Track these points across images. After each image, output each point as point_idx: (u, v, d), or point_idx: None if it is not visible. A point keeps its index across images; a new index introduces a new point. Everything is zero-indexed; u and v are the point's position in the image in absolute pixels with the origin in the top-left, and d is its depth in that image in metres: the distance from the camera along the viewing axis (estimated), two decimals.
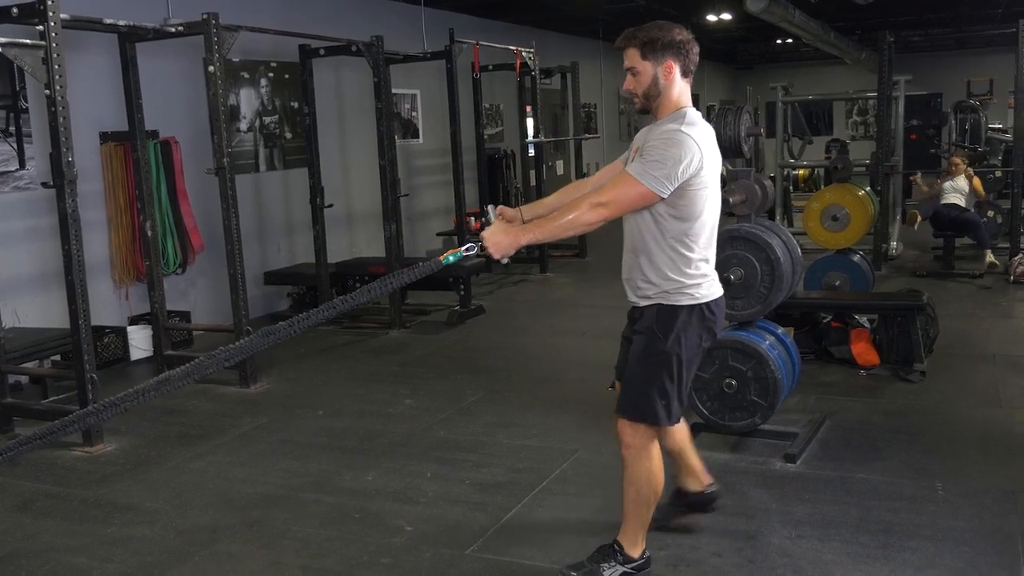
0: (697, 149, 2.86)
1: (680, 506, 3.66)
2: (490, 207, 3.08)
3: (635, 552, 3.20)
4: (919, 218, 9.65)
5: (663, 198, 2.88)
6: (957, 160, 9.44)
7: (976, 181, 9.35)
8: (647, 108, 3.03)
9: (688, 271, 3.00)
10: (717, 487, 3.70)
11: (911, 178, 9.72)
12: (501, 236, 2.86)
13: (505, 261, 2.94)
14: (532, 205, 3.29)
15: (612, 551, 3.21)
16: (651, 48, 2.95)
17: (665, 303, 3.02)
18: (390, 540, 3.68)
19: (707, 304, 3.05)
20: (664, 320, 3.02)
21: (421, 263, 2.96)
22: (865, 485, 3.99)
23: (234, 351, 3.08)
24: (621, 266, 3.19)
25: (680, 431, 3.49)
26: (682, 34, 2.97)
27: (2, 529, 3.95)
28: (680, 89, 2.99)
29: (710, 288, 3.06)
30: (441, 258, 2.91)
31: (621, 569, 3.19)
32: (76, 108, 4.96)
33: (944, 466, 4.21)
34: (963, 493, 3.90)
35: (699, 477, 3.64)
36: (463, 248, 2.93)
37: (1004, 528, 3.56)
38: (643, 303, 3.08)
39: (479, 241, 2.89)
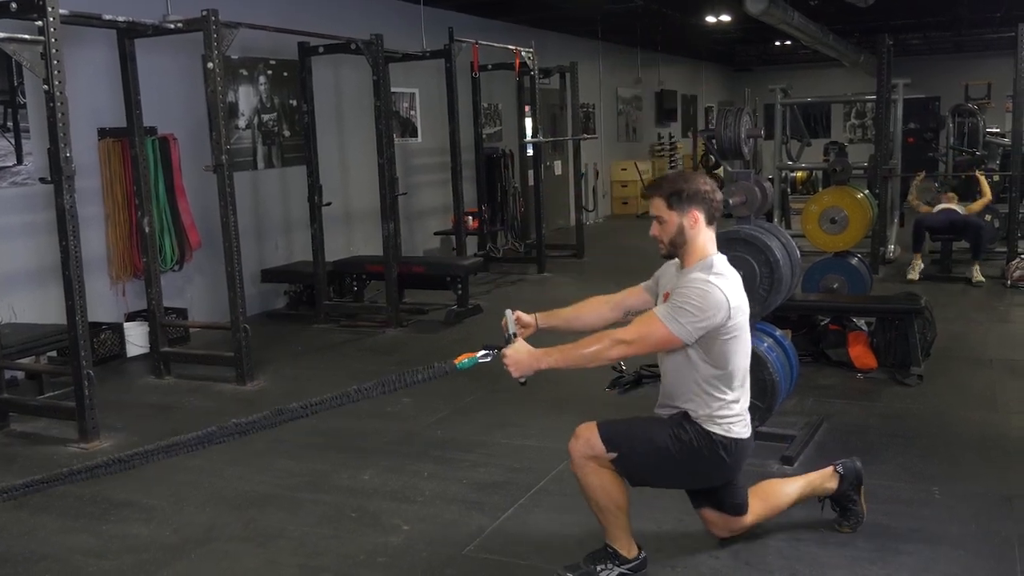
0: (725, 301, 2.98)
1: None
2: (508, 312, 3.18)
3: (629, 553, 3.20)
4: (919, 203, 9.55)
5: (687, 344, 2.99)
6: (951, 195, 9.41)
7: (983, 180, 9.33)
8: (673, 255, 3.15)
9: (721, 413, 3.11)
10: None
11: (915, 178, 9.69)
12: (524, 356, 2.99)
13: (522, 380, 3.03)
14: (548, 315, 3.38)
15: (606, 553, 3.21)
16: (677, 199, 3.07)
17: (698, 423, 3.12)
18: (387, 539, 3.67)
19: (733, 440, 3.12)
20: (694, 426, 3.11)
21: (436, 365, 3.05)
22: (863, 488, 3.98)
23: (247, 425, 3.11)
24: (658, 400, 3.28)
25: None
26: (707, 184, 3.10)
27: None
28: (706, 237, 3.11)
29: (741, 429, 3.16)
30: (456, 361, 3.01)
31: (617, 570, 3.19)
32: (74, 104, 4.95)
33: (941, 470, 4.21)
34: (960, 497, 3.90)
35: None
36: (479, 355, 3.02)
37: (1000, 532, 3.57)
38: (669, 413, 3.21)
39: (499, 354, 3.00)
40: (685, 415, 3.15)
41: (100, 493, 4.25)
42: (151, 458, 3.07)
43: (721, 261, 3.10)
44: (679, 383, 3.13)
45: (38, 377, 5.81)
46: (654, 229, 3.14)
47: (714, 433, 3.11)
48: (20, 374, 6.09)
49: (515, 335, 3.09)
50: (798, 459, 4.32)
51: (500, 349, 3.02)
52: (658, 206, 3.10)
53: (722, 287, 2.99)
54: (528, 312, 3.31)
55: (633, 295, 3.37)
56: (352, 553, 3.57)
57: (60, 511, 4.08)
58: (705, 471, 3.19)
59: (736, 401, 3.13)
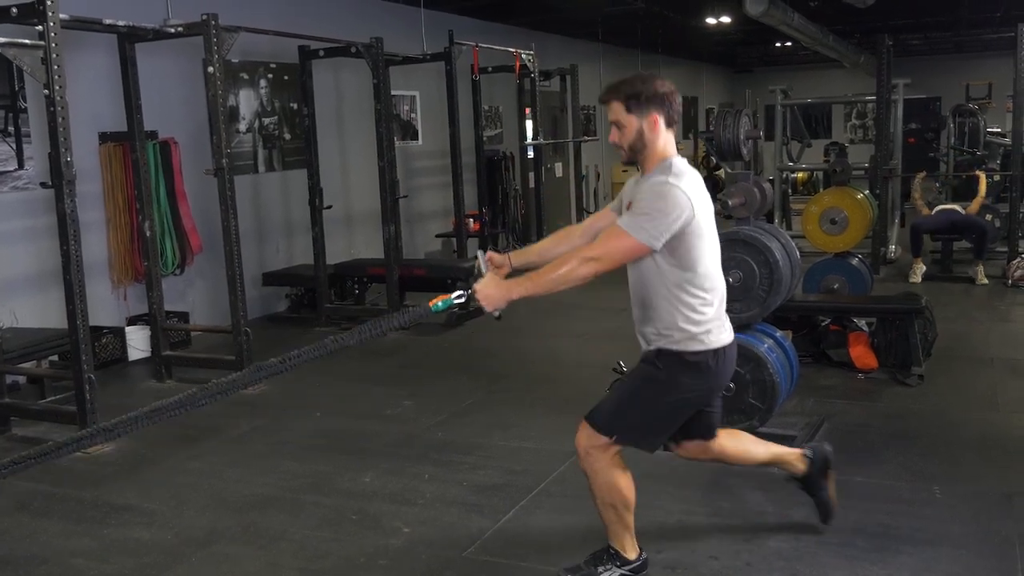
0: (687, 199, 2.88)
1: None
2: (479, 253, 3.16)
3: (630, 554, 3.20)
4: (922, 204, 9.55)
5: (655, 250, 2.90)
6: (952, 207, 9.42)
7: (982, 180, 9.32)
8: (633, 160, 3.04)
9: (695, 318, 2.99)
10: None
11: (916, 177, 9.68)
12: (493, 289, 2.91)
13: (497, 314, 2.97)
14: (521, 252, 3.32)
15: (608, 555, 3.21)
16: (635, 101, 2.96)
17: (674, 348, 3.02)
18: (387, 542, 3.68)
19: (716, 350, 3.04)
20: (668, 359, 3.03)
21: (411, 308, 3.04)
22: (863, 488, 3.99)
23: (228, 384, 3.08)
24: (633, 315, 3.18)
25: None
26: (665, 86, 2.99)
27: (0, 529, 3.95)
28: (665, 140, 3.00)
29: (720, 334, 3.05)
30: (431, 303, 2.96)
31: (619, 571, 3.19)
32: (75, 108, 4.96)
33: (942, 469, 4.21)
34: (960, 496, 3.90)
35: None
36: (453, 296, 2.97)
37: (1001, 532, 3.56)
38: (654, 346, 3.09)
39: (471, 291, 2.93)
40: (657, 352, 3.05)
41: (101, 497, 4.26)
42: (136, 425, 3.04)
43: (680, 162, 2.98)
44: (650, 296, 3.02)
45: (39, 381, 5.81)
46: (613, 136, 3.03)
47: (690, 352, 3.00)
48: (22, 378, 6.09)
49: (484, 271, 3.04)
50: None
51: (470, 289, 2.96)
52: (616, 110, 2.99)
53: (682, 186, 2.89)
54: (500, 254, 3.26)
55: (601, 217, 3.27)
56: (353, 555, 3.57)
57: (61, 515, 4.08)
58: (697, 393, 3.10)
59: (709, 305, 3.01)
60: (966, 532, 3.57)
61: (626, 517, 3.16)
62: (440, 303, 2.97)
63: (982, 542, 3.49)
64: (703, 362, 3.01)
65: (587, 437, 3.09)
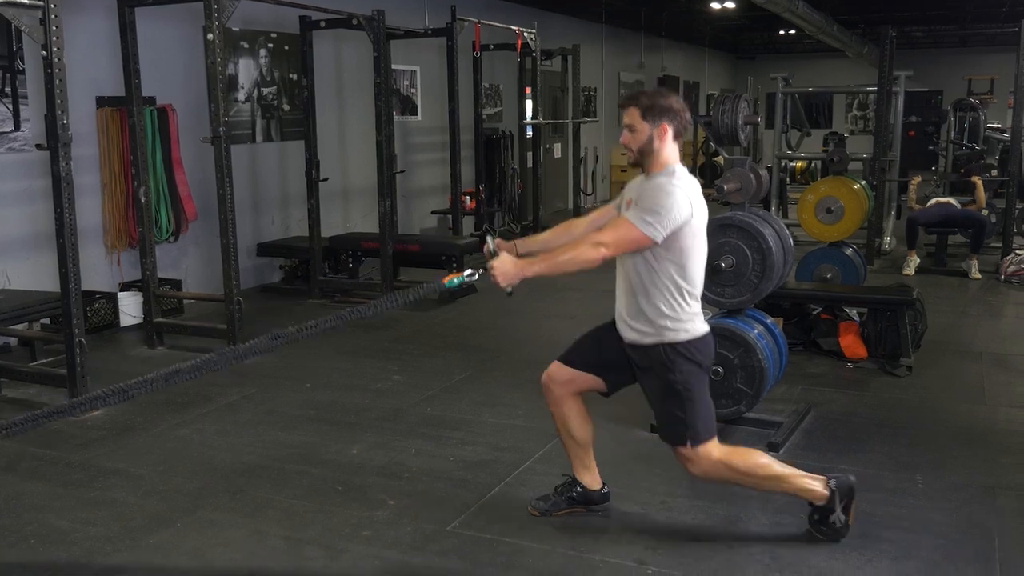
0: (687, 200, 3.17)
1: (572, 497, 3.64)
2: (489, 237, 3.35)
3: (822, 496, 3.38)
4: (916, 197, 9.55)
5: (657, 243, 3.15)
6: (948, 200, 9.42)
7: (979, 186, 9.32)
8: (640, 162, 3.31)
9: (682, 309, 3.27)
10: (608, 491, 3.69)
11: (912, 183, 9.69)
12: (509, 267, 3.16)
13: (509, 291, 3.21)
14: (526, 240, 3.57)
15: (823, 515, 3.40)
16: (650, 111, 3.24)
17: (666, 341, 3.28)
18: (372, 514, 3.70)
19: (699, 338, 3.31)
20: (669, 356, 3.28)
21: (425, 284, 3.26)
22: (855, 479, 4.00)
23: (244, 351, 3.30)
24: (616, 307, 3.43)
25: (588, 429, 3.58)
26: (679, 103, 3.29)
27: None
28: (671, 149, 3.28)
29: (701, 324, 3.33)
30: (445, 280, 3.22)
31: (837, 514, 3.39)
32: (73, 71, 4.95)
33: (926, 460, 4.24)
34: (943, 487, 3.93)
35: (595, 475, 3.66)
36: (466, 273, 3.23)
37: (982, 523, 3.60)
38: (644, 340, 3.32)
39: (488, 267, 3.15)
40: (663, 354, 3.27)
41: (89, 461, 4.27)
42: (150, 387, 3.17)
43: (682, 170, 3.27)
44: (642, 287, 3.27)
45: (31, 344, 5.81)
46: (624, 137, 3.30)
47: (682, 343, 3.26)
48: (13, 340, 6.11)
49: (497, 252, 3.26)
50: (784, 445, 4.35)
51: (485, 267, 3.17)
52: (632, 115, 3.26)
53: (684, 188, 3.18)
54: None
55: (603, 213, 3.55)
56: (337, 526, 3.60)
57: (49, 477, 4.10)
58: (705, 369, 3.35)
59: (694, 299, 3.30)
60: (947, 522, 3.60)
61: (783, 476, 3.38)
62: (455, 279, 3.21)
63: (962, 532, 3.52)
64: (696, 347, 3.30)
65: (695, 463, 3.32)
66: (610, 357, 3.46)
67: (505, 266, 3.15)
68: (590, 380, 3.52)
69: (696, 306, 3.32)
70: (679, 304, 3.25)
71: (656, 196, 3.15)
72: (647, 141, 3.25)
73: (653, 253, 3.21)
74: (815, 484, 3.39)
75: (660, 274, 3.23)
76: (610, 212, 3.50)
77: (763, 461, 3.38)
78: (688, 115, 3.31)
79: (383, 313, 3.30)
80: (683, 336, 3.27)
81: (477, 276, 3.21)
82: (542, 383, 3.56)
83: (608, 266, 3.30)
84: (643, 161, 3.29)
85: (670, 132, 3.25)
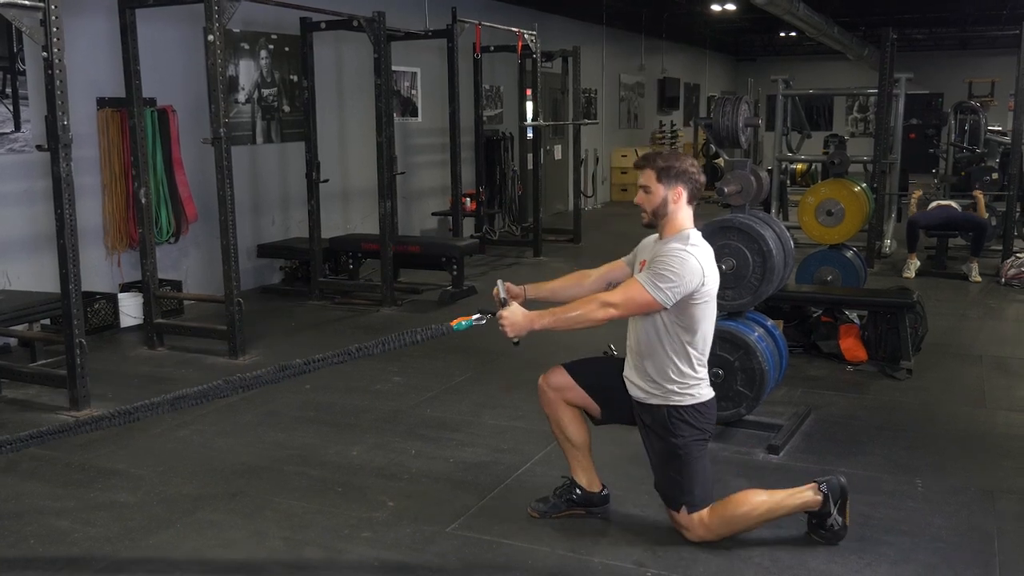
0: (700, 268, 3.21)
1: (571, 499, 3.64)
2: (499, 282, 3.36)
3: (816, 503, 3.39)
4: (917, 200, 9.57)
5: (666, 308, 3.20)
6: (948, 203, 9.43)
7: (980, 201, 9.33)
8: (653, 224, 3.37)
9: (688, 373, 3.32)
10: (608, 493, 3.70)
11: (912, 196, 9.70)
12: (519, 318, 3.21)
13: (516, 341, 3.27)
14: (535, 287, 3.57)
15: (820, 519, 3.41)
16: (666, 174, 3.30)
17: (671, 404, 3.33)
18: (372, 515, 3.70)
19: (704, 403, 3.37)
20: (673, 420, 3.33)
21: (433, 326, 3.30)
22: (846, 479, 4.00)
23: (251, 380, 3.39)
24: (625, 361, 3.50)
25: (584, 431, 3.60)
26: (694, 166, 3.35)
27: None
28: (686, 213, 3.34)
29: (707, 390, 3.39)
30: (453, 323, 3.26)
31: (833, 517, 3.39)
32: (74, 73, 4.95)
33: (926, 463, 4.24)
34: (943, 491, 3.92)
35: (594, 477, 3.66)
36: (474, 317, 3.28)
37: (981, 526, 3.59)
38: (650, 401, 3.39)
39: (495, 316, 3.22)
40: (667, 416, 3.32)
41: (89, 461, 4.27)
42: (156, 411, 3.23)
43: (696, 235, 3.32)
44: (651, 350, 3.34)
45: (31, 344, 5.81)
46: (639, 198, 3.35)
47: (686, 407, 3.32)
48: (13, 341, 6.11)
49: (507, 300, 3.28)
50: (784, 448, 4.35)
51: (495, 313, 3.23)
52: (648, 177, 3.32)
53: (697, 256, 3.22)
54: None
55: (614, 268, 3.58)
56: (337, 527, 3.60)
57: (48, 478, 4.10)
58: (706, 434, 3.40)
59: (702, 365, 3.37)
60: (946, 525, 3.60)
61: (784, 506, 3.40)
62: (464, 323, 3.26)
63: (961, 536, 3.52)
64: (698, 412, 3.35)
65: (692, 529, 3.37)
66: (616, 396, 3.49)
67: (515, 317, 3.20)
68: (585, 399, 3.54)
69: (703, 372, 3.37)
70: (687, 369, 3.31)
71: (669, 262, 3.19)
72: (662, 204, 3.30)
73: (663, 318, 3.27)
74: (807, 494, 3.39)
75: (669, 338, 3.29)
76: (620, 268, 3.54)
77: (755, 501, 3.37)
78: (703, 178, 3.36)
79: (391, 351, 3.42)
80: (688, 401, 3.32)
81: (485, 321, 3.27)
82: (538, 384, 3.58)
83: None
84: (657, 223, 3.34)
85: (685, 195, 3.30)
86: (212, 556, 3.41)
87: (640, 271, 3.31)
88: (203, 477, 4.10)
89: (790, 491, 3.43)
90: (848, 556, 3.34)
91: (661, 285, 3.16)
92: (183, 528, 3.61)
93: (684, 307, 3.23)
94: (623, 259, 3.59)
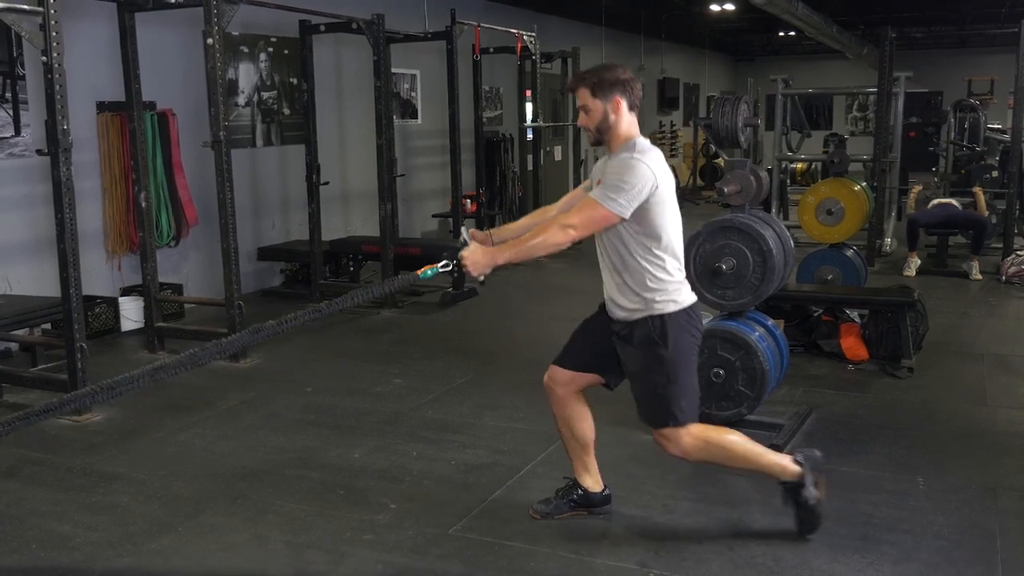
0: (650, 172, 3.14)
1: (573, 500, 3.64)
2: (463, 228, 3.39)
3: (794, 472, 3.39)
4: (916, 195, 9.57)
5: (624, 219, 3.15)
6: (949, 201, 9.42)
7: (979, 198, 9.33)
8: (600, 140, 3.32)
9: (665, 278, 3.26)
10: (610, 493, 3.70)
11: (912, 192, 9.70)
12: (480, 256, 3.18)
13: (481, 279, 3.28)
14: (500, 229, 3.57)
15: (790, 492, 3.41)
16: (600, 87, 3.25)
17: (655, 313, 3.26)
18: (374, 517, 3.70)
19: (689, 307, 3.32)
20: (659, 329, 3.26)
21: (400, 275, 3.24)
22: (847, 478, 4.01)
23: (226, 345, 3.40)
24: (604, 286, 3.43)
25: (590, 430, 3.59)
26: (626, 73, 3.30)
27: None
28: (628, 121, 3.29)
29: (687, 294, 3.34)
30: (419, 272, 3.21)
31: (808, 489, 3.38)
32: (73, 77, 4.95)
33: (927, 461, 4.24)
34: (944, 489, 3.92)
35: (596, 478, 3.66)
36: (439, 264, 3.23)
37: (983, 524, 3.59)
38: (634, 316, 3.30)
39: (458, 258, 3.18)
40: (652, 327, 3.25)
41: (90, 466, 4.27)
42: (138, 383, 3.17)
43: (643, 142, 3.26)
44: (622, 263, 3.27)
45: (32, 349, 5.82)
46: (581, 119, 3.31)
47: (669, 314, 3.25)
48: (14, 345, 6.11)
49: (468, 242, 3.28)
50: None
51: (457, 257, 3.19)
52: (583, 95, 3.27)
53: (646, 161, 3.16)
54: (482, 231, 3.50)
55: (573, 196, 3.55)
56: (339, 530, 3.59)
57: (50, 483, 4.10)
58: (695, 342, 3.35)
59: (677, 268, 3.30)
60: (948, 524, 3.59)
61: (753, 456, 3.40)
62: (428, 270, 3.21)
63: (963, 534, 3.51)
64: (688, 315, 3.30)
65: (675, 442, 3.32)
66: (602, 351, 3.45)
67: (475, 255, 3.17)
68: (589, 377, 3.53)
69: (680, 275, 3.31)
70: (663, 275, 3.24)
71: (619, 172, 3.15)
72: (603, 118, 3.25)
73: (625, 228, 3.21)
74: (784, 460, 3.43)
75: (637, 248, 3.23)
76: (579, 194, 3.48)
77: (736, 439, 3.40)
78: (639, 85, 3.32)
79: (361, 302, 3.33)
80: (672, 307, 3.26)
81: (451, 266, 3.23)
82: (544, 385, 3.57)
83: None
84: (604, 139, 3.30)
85: (624, 104, 3.26)
86: (214, 560, 3.41)
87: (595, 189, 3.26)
88: (204, 481, 4.10)
89: (770, 450, 3.47)
90: (851, 555, 3.34)
91: (614, 196, 3.11)
92: (185, 532, 3.61)
93: (643, 215, 3.16)
94: (580, 186, 3.57)
